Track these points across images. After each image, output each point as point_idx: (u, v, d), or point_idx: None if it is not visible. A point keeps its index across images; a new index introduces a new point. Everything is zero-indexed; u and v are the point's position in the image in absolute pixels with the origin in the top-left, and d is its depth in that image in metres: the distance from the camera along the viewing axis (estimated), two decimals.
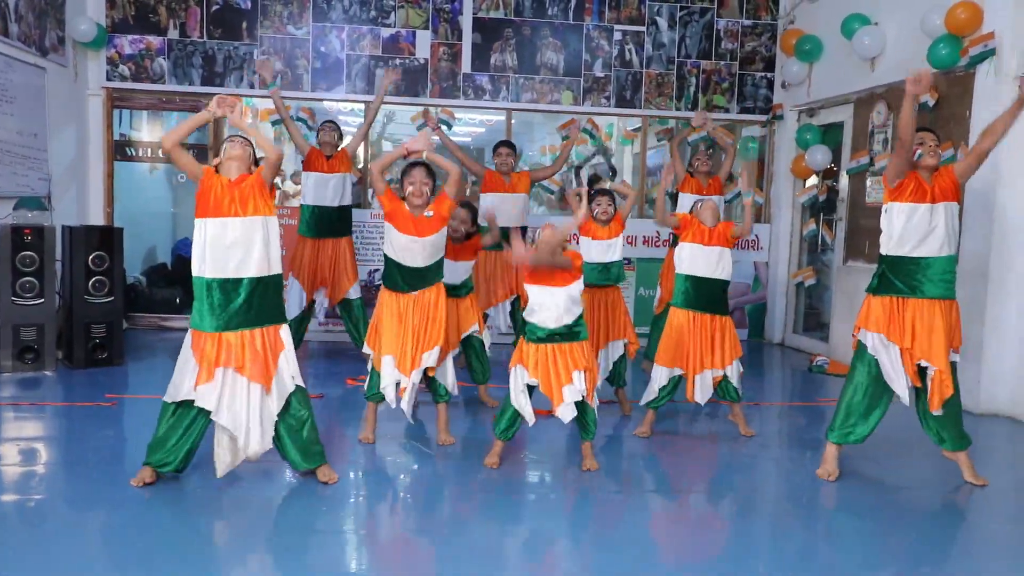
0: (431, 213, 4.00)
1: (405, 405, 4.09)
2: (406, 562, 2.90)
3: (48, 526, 3.09)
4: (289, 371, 3.54)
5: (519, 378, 3.84)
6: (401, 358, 4.02)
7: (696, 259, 4.52)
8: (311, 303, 6.13)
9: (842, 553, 3.16)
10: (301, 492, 3.53)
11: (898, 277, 3.78)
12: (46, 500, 3.36)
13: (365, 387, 4.18)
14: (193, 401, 3.41)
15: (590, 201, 4.73)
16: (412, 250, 3.99)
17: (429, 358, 4.04)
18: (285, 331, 3.59)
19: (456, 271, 4.56)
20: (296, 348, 6.31)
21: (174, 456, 3.47)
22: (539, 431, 4.49)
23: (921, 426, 3.92)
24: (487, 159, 6.69)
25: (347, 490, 3.55)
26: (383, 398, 4.10)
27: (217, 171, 3.47)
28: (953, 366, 3.80)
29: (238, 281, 3.39)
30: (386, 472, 3.91)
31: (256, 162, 3.57)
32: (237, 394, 3.42)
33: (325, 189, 6.04)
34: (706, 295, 4.51)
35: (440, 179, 4.43)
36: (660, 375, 4.53)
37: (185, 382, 3.41)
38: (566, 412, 3.77)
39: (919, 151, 3.73)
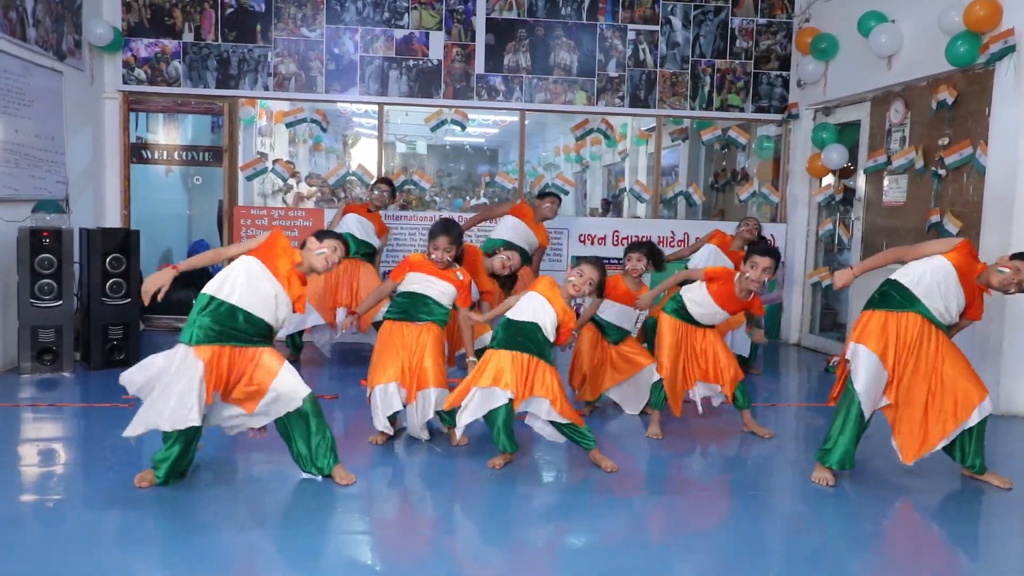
0: (462, 276, 4.18)
1: (418, 429, 4.19)
2: (419, 563, 2.90)
3: (66, 526, 3.11)
4: (288, 391, 3.49)
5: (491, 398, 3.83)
6: (403, 377, 4.06)
7: (700, 307, 4.49)
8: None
9: (856, 555, 3.13)
10: (316, 492, 3.53)
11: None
12: (64, 500, 3.39)
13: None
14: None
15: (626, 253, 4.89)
16: (424, 284, 4.14)
17: (436, 399, 4.07)
18: (270, 355, 3.54)
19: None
20: (298, 351, 6.30)
21: (173, 463, 3.47)
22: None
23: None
24: (500, 159, 6.67)
25: (360, 491, 3.56)
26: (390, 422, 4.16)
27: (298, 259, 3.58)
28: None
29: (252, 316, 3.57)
30: (399, 473, 3.91)
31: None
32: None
33: (361, 225, 6.11)
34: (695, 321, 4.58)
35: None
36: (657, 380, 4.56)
37: (185, 406, 3.31)
38: (536, 413, 3.86)
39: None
